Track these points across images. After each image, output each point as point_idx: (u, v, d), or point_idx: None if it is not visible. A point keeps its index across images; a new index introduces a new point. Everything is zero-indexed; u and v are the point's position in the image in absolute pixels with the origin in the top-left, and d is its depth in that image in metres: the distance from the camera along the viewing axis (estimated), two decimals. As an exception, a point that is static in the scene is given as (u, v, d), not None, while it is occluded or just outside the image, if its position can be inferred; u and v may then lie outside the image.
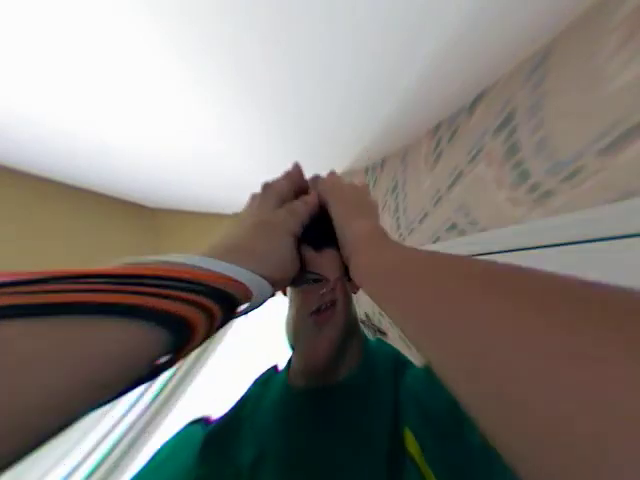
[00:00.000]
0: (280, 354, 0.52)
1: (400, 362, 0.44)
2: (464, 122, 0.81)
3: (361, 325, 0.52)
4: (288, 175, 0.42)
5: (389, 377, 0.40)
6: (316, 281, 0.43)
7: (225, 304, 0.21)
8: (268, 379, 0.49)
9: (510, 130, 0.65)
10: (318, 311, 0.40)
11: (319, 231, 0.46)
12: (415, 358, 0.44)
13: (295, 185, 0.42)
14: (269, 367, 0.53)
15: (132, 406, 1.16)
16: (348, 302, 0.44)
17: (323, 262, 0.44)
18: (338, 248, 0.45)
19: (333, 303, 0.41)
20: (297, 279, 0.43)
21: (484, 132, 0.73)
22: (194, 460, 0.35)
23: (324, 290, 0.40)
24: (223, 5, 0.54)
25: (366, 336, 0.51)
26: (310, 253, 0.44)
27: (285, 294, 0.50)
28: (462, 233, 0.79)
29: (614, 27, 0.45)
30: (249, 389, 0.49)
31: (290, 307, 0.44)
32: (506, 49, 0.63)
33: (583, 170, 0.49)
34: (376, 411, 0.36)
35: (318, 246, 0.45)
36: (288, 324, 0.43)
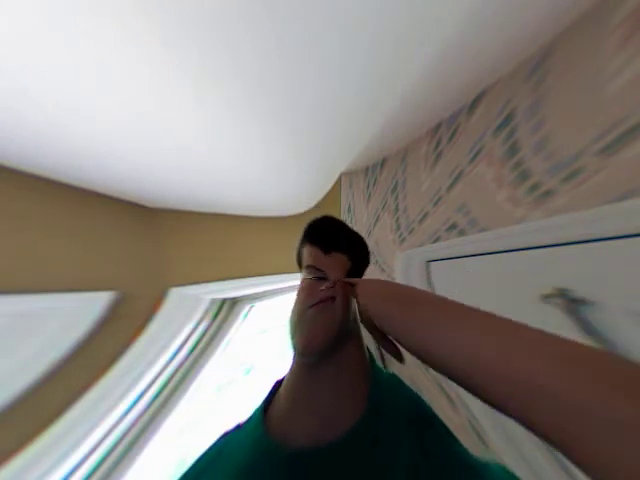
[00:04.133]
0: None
1: (423, 417, 0.35)
2: (464, 122, 0.81)
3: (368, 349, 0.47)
4: None
5: (404, 434, 0.32)
6: (319, 279, 0.46)
7: None
8: (220, 451, 0.37)
9: (510, 130, 0.65)
10: (318, 303, 0.41)
11: (330, 235, 0.51)
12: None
13: None
14: (217, 439, 0.40)
15: (132, 406, 1.16)
16: (347, 302, 0.43)
17: (329, 263, 0.46)
18: (346, 253, 0.49)
19: (333, 299, 0.42)
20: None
21: (484, 132, 0.73)
22: None
23: (323, 287, 0.42)
24: (220, 10, 0.54)
25: (378, 368, 0.44)
26: (319, 253, 0.47)
27: None
28: (462, 233, 0.79)
29: (614, 27, 0.45)
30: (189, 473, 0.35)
31: (295, 302, 0.46)
32: (506, 49, 0.63)
33: (583, 170, 0.49)
34: None
35: (327, 249, 0.48)
36: (292, 314, 0.44)
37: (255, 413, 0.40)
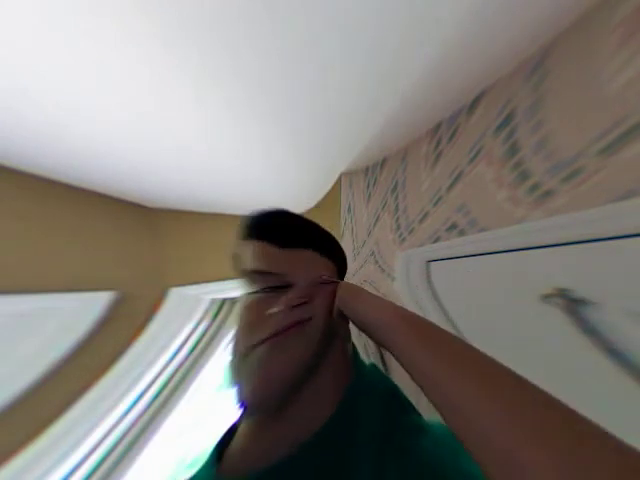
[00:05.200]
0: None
1: (399, 403, 0.33)
2: (464, 122, 0.81)
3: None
4: None
5: (378, 417, 0.29)
6: (275, 289, 0.28)
7: None
8: None
9: (510, 130, 0.65)
10: (275, 336, 0.27)
11: (283, 224, 0.34)
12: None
13: None
14: None
15: (132, 406, 1.16)
16: (327, 320, 0.30)
17: (289, 260, 0.31)
18: (316, 249, 0.34)
19: (301, 322, 0.28)
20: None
21: (484, 132, 0.73)
22: None
23: (276, 309, 0.27)
24: (220, 10, 0.54)
25: (360, 361, 0.38)
26: (270, 249, 0.31)
27: None
28: (462, 233, 0.79)
29: (614, 27, 0.45)
30: None
31: (235, 333, 0.31)
32: (506, 49, 0.63)
33: (583, 170, 0.49)
34: None
35: (285, 243, 0.31)
36: (231, 353, 0.31)
37: (210, 455, 0.32)
